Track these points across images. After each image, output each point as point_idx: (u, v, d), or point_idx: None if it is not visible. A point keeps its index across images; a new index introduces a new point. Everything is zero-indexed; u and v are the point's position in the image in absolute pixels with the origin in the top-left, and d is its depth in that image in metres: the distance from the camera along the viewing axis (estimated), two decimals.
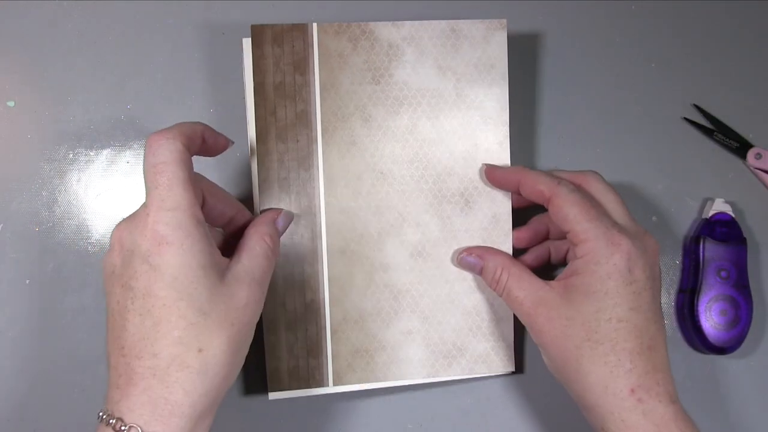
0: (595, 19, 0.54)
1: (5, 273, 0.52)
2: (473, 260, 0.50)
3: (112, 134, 0.53)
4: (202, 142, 0.43)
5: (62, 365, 0.51)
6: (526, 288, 0.46)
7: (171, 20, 0.53)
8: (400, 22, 0.50)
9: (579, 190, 0.46)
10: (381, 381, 0.51)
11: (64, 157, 0.53)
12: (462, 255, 0.50)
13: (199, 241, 0.40)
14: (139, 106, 0.53)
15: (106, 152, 0.53)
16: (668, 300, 0.54)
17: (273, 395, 0.50)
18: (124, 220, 0.41)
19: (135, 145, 0.53)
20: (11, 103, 0.53)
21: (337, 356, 0.50)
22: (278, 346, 0.50)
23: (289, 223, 0.49)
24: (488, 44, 0.50)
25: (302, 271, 0.50)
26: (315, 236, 0.50)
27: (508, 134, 0.51)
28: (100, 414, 0.40)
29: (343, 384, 0.50)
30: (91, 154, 0.53)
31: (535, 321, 0.45)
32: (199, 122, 0.43)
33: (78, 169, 0.53)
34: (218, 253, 0.41)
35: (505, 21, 0.50)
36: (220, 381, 0.40)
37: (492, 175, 0.50)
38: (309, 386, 0.50)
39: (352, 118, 0.50)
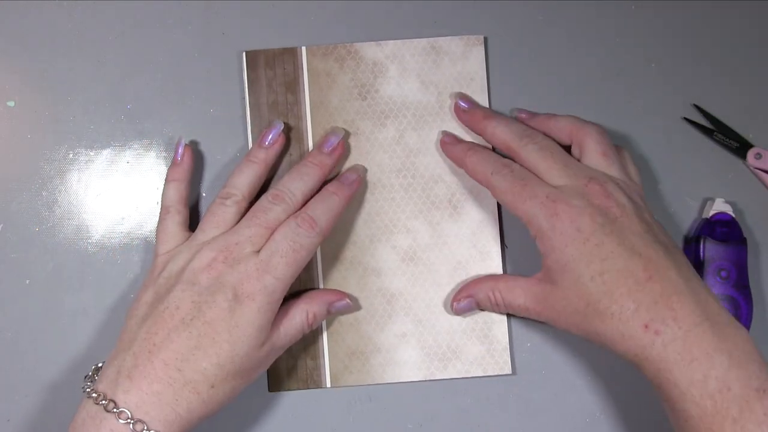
0: (595, 18, 0.54)
1: (5, 273, 0.52)
2: (465, 303, 0.51)
3: (112, 134, 0.53)
4: None
5: (62, 365, 0.51)
6: (521, 294, 0.47)
7: (171, 20, 0.53)
8: (383, 42, 0.53)
9: (512, 171, 0.47)
10: (377, 382, 0.52)
11: (64, 157, 0.53)
12: (455, 305, 0.51)
13: (273, 309, 0.45)
14: (139, 106, 0.53)
15: (106, 152, 0.53)
16: None
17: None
18: (226, 255, 0.45)
19: (135, 145, 0.53)
20: (11, 103, 0.53)
21: (333, 358, 0.51)
22: None
23: (346, 312, 0.51)
24: (467, 59, 0.53)
25: (299, 276, 0.50)
26: None
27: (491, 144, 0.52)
28: (93, 394, 0.42)
29: (340, 385, 0.51)
30: (91, 154, 0.53)
31: (545, 315, 0.46)
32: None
33: (78, 169, 0.53)
34: (273, 316, 0.46)
35: (482, 37, 0.53)
36: (215, 410, 0.44)
37: (444, 149, 0.52)
38: (307, 386, 0.51)
39: None
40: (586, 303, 0.44)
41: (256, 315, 0.44)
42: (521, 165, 0.48)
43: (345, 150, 0.52)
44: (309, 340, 0.51)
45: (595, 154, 0.48)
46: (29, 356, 0.51)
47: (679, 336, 0.41)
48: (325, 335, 0.52)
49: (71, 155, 0.53)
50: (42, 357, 0.51)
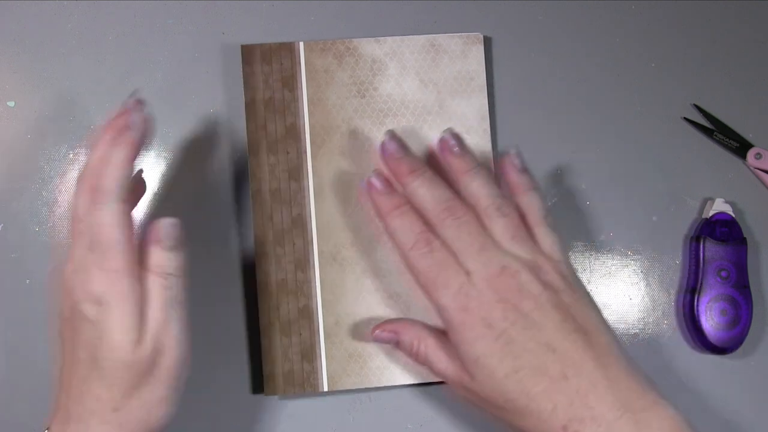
0: (595, 18, 0.54)
1: (5, 273, 0.52)
2: (387, 336, 0.49)
3: None
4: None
5: None
6: (444, 360, 0.46)
7: (171, 20, 0.53)
8: (382, 38, 0.52)
9: (431, 251, 0.44)
10: (375, 386, 0.51)
11: (64, 157, 0.53)
12: (376, 332, 0.49)
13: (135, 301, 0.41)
14: None
15: None
16: (668, 300, 0.54)
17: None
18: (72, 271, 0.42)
19: None
20: (11, 103, 0.53)
21: (331, 361, 0.51)
22: (273, 350, 0.51)
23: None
24: (466, 58, 0.52)
25: (295, 277, 0.50)
26: (307, 243, 0.51)
27: (490, 142, 0.52)
28: None
29: (337, 389, 0.51)
30: None
31: (463, 395, 0.46)
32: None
33: (78, 169, 0.53)
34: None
35: (481, 35, 0.53)
36: (154, 424, 0.41)
37: (369, 194, 0.47)
38: (304, 390, 0.51)
39: (339, 130, 0.52)
40: (504, 399, 0.43)
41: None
42: (439, 240, 0.45)
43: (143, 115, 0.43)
44: (305, 343, 0.51)
45: (506, 235, 0.45)
46: (29, 356, 0.51)
47: None
48: (321, 338, 0.51)
49: (71, 155, 0.53)
50: (42, 357, 0.51)
